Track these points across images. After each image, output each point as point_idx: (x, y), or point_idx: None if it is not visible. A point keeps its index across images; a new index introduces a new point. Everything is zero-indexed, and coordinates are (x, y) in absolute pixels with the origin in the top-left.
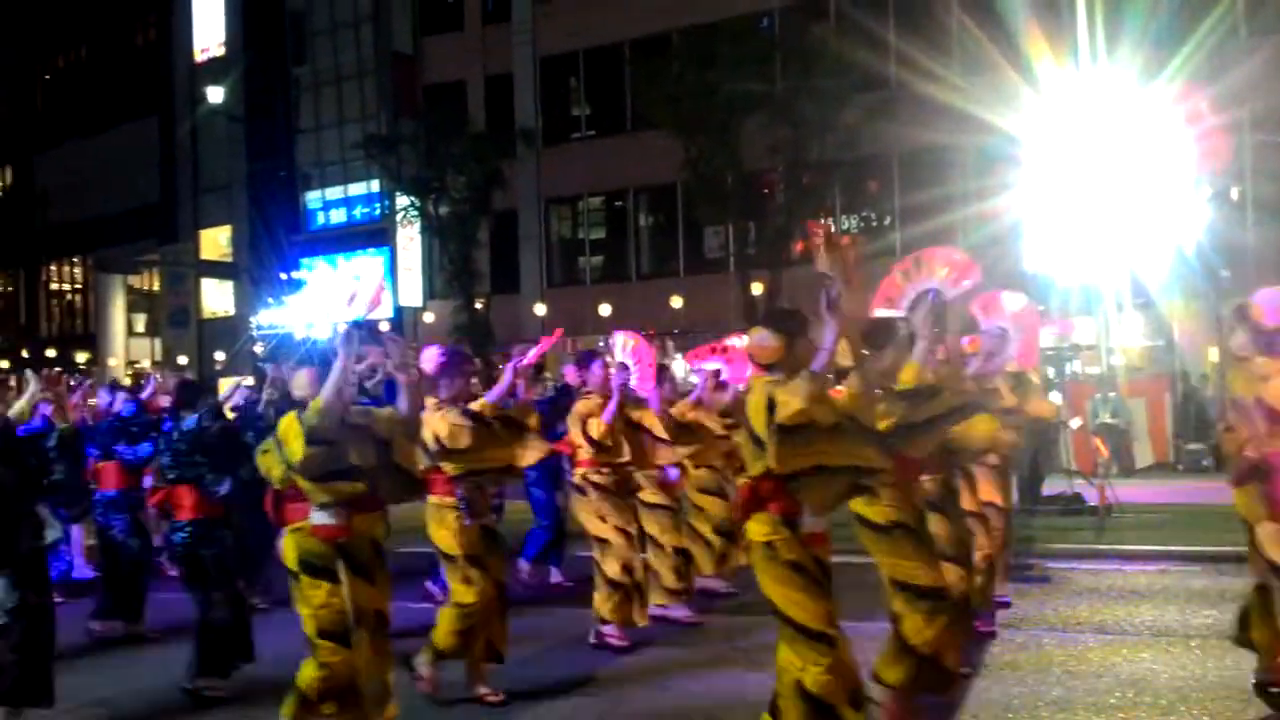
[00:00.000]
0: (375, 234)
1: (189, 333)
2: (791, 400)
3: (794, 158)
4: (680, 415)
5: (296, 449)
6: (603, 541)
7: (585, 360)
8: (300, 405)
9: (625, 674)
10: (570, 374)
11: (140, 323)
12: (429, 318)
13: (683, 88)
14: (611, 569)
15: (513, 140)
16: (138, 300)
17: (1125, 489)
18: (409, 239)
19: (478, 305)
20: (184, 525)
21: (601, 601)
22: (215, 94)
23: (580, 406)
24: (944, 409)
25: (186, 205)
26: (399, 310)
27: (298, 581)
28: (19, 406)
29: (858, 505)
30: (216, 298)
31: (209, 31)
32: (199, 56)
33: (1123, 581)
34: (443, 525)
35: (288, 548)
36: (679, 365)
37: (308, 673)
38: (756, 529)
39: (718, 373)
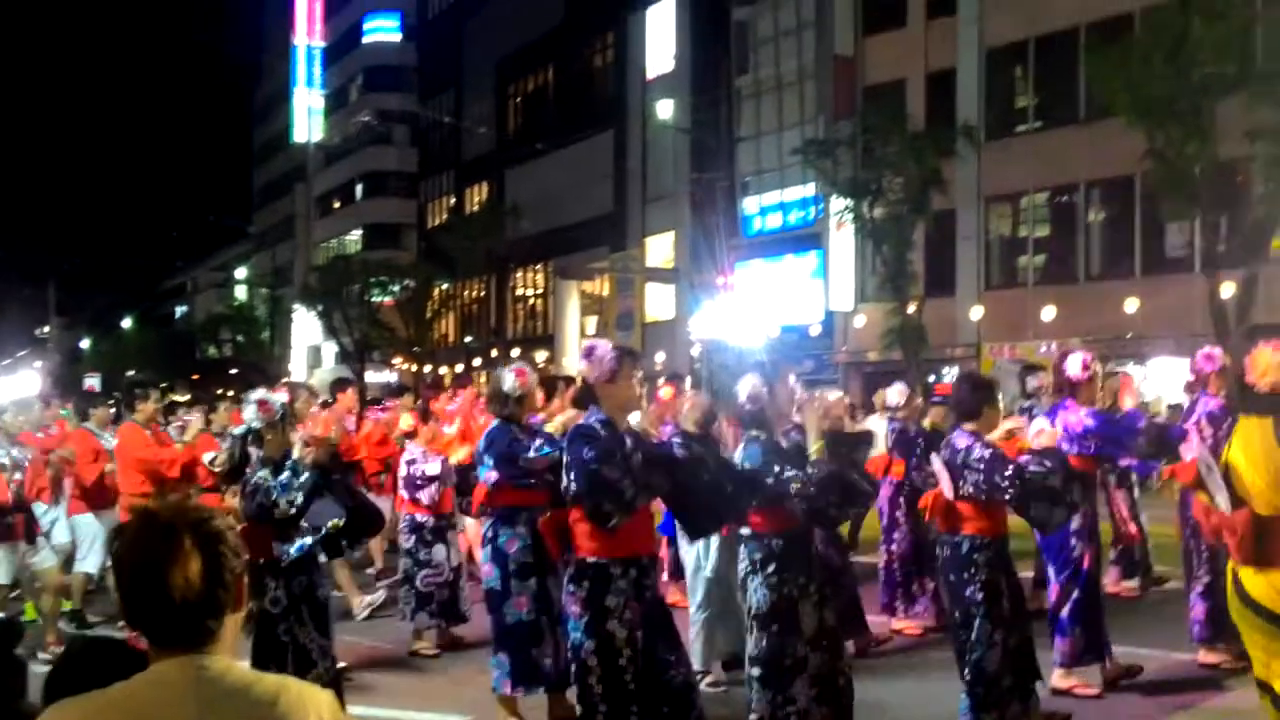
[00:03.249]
0: (807, 238)
1: (632, 335)
2: None
3: (1277, 143)
4: None
5: None
6: None
7: None
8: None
9: None
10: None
11: (591, 325)
12: (859, 321)
13: (1148, 72)
14: None
15: (952, 137)
16: (589, 304)
17: None
18: (842, 242)
19: (910, 309)
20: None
21: None
22: (665, 108)
23: None
24: None
25: (635, 214)
26: (829, 314)
27: None
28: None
29: None
30: (658, 302)
31: (660, 50)
32: (650, 74)
33: None
34: None
35: None
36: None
37: None
38: None
39: None
